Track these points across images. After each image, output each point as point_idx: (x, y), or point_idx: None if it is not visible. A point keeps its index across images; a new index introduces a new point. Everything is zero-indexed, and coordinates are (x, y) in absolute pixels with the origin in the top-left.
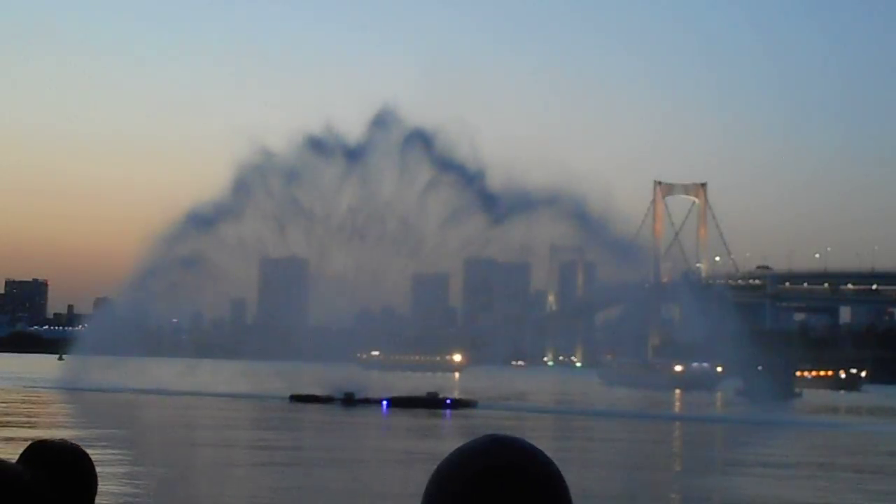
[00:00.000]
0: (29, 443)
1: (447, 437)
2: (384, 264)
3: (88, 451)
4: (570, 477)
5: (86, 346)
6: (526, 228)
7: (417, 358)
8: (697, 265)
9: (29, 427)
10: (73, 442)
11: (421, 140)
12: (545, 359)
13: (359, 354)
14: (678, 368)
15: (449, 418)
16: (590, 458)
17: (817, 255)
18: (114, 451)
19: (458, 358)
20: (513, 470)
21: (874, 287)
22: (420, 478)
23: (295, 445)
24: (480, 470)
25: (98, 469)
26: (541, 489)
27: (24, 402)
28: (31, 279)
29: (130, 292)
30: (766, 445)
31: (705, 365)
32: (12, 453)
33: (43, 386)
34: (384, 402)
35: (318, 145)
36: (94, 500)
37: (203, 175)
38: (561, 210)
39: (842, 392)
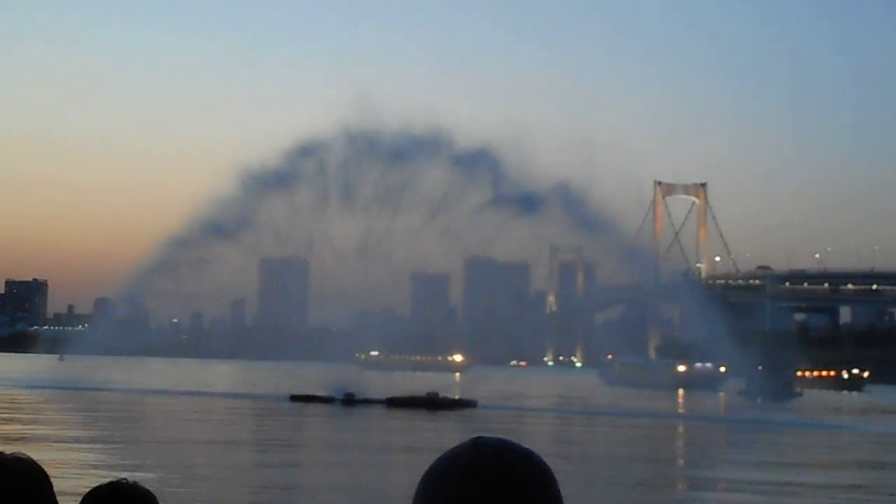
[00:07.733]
0: (93, 486)
1: (446, 437)
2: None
3: (81, 449)
4: (569, 479)
5: (85, 346)
6: (529, 228)
7: (417, 358)
8: (697, 265)
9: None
10: (136, 482)
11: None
12: (545, 359)
13: (359, 354)
14: (681, 368)
15: (449, 418)
16: (589, 459)
17: (817, 255)
18: (111, 452)
19: (458, 358)
20: (499, 470)
21: (874, 287)
22: (416, 478)
23: (294, 445)
24: (467, 471)
25: (92, 470)
26: (528, 488)
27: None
28: (31, 279)
29: (128, 288)
30: (763, 447)
31: (708, 365)
32: None
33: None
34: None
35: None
36: None
37: (203, 175)
38: (562, 210)
39: (844, 392)
